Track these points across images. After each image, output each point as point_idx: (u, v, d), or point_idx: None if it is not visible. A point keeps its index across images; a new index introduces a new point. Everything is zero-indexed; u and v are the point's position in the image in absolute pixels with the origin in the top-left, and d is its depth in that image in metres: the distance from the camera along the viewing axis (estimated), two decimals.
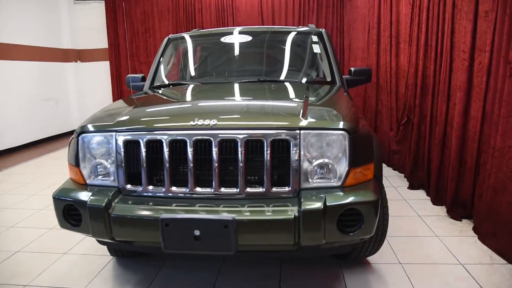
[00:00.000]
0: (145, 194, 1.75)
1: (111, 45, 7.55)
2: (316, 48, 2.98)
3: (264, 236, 1.56)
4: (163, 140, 1.70)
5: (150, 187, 1.74)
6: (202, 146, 1.68)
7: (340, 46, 6.62)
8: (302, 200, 1.57)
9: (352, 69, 2.96)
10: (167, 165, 1.70)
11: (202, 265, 2.32)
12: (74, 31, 7.57)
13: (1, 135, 5.80)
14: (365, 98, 5.35)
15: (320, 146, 1.67)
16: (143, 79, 3.13)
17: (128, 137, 1.75)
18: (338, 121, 1.69)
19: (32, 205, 3.53)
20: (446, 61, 3.07)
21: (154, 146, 1.72)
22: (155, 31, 7.34)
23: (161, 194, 1.73)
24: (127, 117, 1.87)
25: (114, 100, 7.56)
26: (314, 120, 1.70)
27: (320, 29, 3.11)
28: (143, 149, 1.72)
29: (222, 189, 1.69)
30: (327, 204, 1.54)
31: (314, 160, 1.66)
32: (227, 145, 1.67)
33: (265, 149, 1.63)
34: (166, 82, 2.95)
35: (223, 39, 3.12)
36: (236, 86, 2.53)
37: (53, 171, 4.80)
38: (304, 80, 2.73)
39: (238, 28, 3.17)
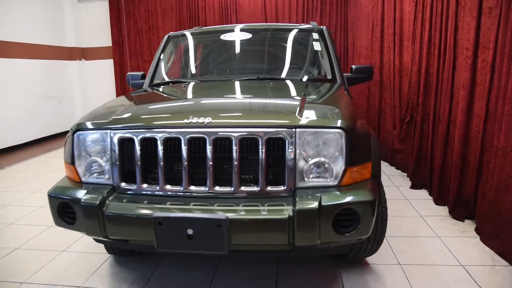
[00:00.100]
0: (139, 192, 1.74)
1: (114, 43, 7.57)
2: (317, 46, 2.94)
3: (258, 236, 1.54)
4: (157, 138, 1.68)
5: (145, 185, 1.73)
6: (197, 144, 1.66)
7: (344, 44, 6.56)
8: (297, 199, 1.55)
9: (354, 66, 2.91)
10: (162, 163, 1.69)
11: (199, 264, 2.31)
12: (78, 29, 7.60)
13: (5, 133, 5.84)
14: (368, 97, 5.30)
15: (316, 144, 1.64)
16: (143, 77, 3.11)
17: (123, 135, 1.73)
18: (334, 119, 1.66)
19: (33, 203, 3.55)
20: (450, 58, 3.02)
21: (149, 144, 1.71)
22: (158, 29, 7.34)
23: (156, 193, 1.72)
24: (122, 114, 1.85)
25: None
26: (310, 118, 1.67)
27: (321, 27, 3.07)
28: (137, 147, 1.71)
29: (217, 188, 1.67)
30: (323, 203, 1.51)
31: (310, 159, 1.64)
32: (222, 143, 1.65)
33: (260, 147, 1.61)
34: (166, 80, 2.94)
35: (222, 37, 3.09)
36: (235, 84, 2.51)
37: (55, 169, 4.81)
38: (304, 78, 2.70)
39: (238, 26, 3.15)
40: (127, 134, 1.73)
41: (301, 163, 1.63)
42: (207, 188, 1.67)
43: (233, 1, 6.88)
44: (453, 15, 2.97)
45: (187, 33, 3.21)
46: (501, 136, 2.33)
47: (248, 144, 1.63)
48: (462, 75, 2.80)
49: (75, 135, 1.83)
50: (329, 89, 2.37)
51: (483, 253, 2.33)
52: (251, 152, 1.64)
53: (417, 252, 2.37)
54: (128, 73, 3.24)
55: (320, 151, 1.64)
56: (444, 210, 3.01)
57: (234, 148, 1.62)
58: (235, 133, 1.62)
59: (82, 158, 1.83)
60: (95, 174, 1.82)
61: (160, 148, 1.68)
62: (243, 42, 3.05)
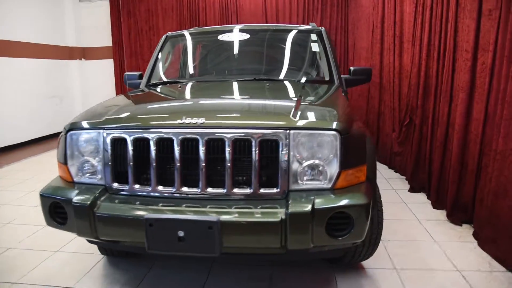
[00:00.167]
0: (131, 193, 1.72)
1: (115, 43, 7.56)
2: (315, 47, 2.92)
3: (250, 239, 1.52)
4: (150, 138, 1.66)
5: (137, 186, 1.71)
6: (190, 145, 1.64)
7: (344, 45, 6.54)
8: (290, 202, 1.53)
9: (352, 68, 2.89)
10: (154, 163, 1.67)
11: (193, 265, 2.29)
12: (78, 29, 7.60)
13: (5, 132, 5.84)
14: (368, 99, 5.27)
15: (310, 146, 1.62)
16: (140, 76, 3.10)
17: (115, 135, 1.72)
18: (329, 121, 1.64)
19: (29, 202, 3.53)
20: (449, 61, 3.00)
21: (141, 144, 1.69)
22: (159, 29, 7.33)
23: (148, 194, 1.70)
24: (115, 114, 1.83)
25: None
26: (304, 119, 1.65)
27: (320, 28, 3.05)
28: (130, 147, 1.69)
29: (209, 189, 1.64)
30: (316, 207, 1.49)
31: (304, 161, 1.61)
32: (215, 145, 1.62)
33: (253, 149, 1.59)
34: (163, 80, 2.92)
35: (220, 37, 3.08)
36: (231, 85, 2.49)
37: (53, 168, 4.78)
38: (301, 79, 2.67)
39: (235, 26, 3.13)
40: (119, 134, 1.71)
41: (294, 165, 1.61)
42: (199, 190, 1.65)
43: (233, 1, 6.87)
44: (453, 17, 2.94)
45: (185, 33, 3.19)
46: (500, 140, 2.30)
47: (242, 145, 1.61)
48: (462, 78, 2.78)
49: (68, 135, 1.81)
50: (326, 90, 2.34)
51: (480, 258, 2.30)
52: (245, 154, 1.62)
53: (414, 257, 2.34)
54: (126, 73, 3.22)
55: (314, 153, 1.62)
56: (442, 214, 2.98)
57: (227, 149, 1.60)
58: (228, 134, 1.60)
59: (74, 158, 1.81)
60: (88, 174, 1.80)
61: (152, 148, 1.66)
62: (240, 43, 3.04)
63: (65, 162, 1.82)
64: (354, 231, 1.53)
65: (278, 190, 1.61)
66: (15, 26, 6.06)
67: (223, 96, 2.24)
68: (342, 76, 2.79)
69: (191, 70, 3.15)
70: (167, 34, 3.22)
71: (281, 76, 2.73)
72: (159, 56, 3.06)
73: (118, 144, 1.72)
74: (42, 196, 1.76)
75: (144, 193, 1.70)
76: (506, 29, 2.30)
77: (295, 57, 2.95)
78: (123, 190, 1.73)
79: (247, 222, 1.49)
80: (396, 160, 4.21)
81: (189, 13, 7.11)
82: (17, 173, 4.60)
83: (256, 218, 1.50)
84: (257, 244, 1.53)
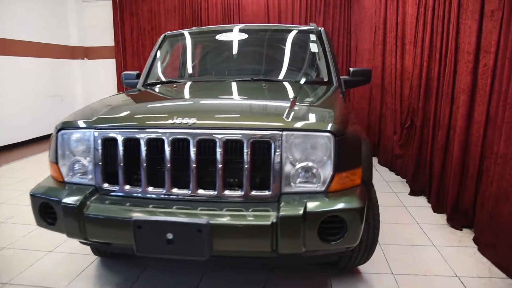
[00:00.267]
0: (122, 194, 1.69)
1: (117, 43, 7.57)
2: (314, 48, 2.88)
3: (240, 242, 1.48)
4: (140, 139, 1.64)
5: (127, 187, 1.68)
6: (180, 145, 1.61)
7: (347, 47, 6.48)
8: (281, 205, 1.49)
9: (351, 69, 2.86)
10: (144, 164, 1.64)
11: (186, 267, 2.25)
12: (81, 28, 7.61)
13: (5, 131, 5.85)
14: (370, 100, 5.22)
15: (303, 148, 1.58)
16: (138, 76, 3.08)
17: (106, 135, 1.69)
18: (323, 122, 1.61)
19: (26, 201, 3.51)
20: (451, 62, 2.95)
21: (132, 144, 1.66)
22: (161, 29, 7.31)
23: (138, 195, 1.67)
24: (107, 114, 1.81)
25: None
26: (298, 121, 1.61)
27: (319, 28, 3.01)
28: (120, 147, 1.66)
29: (200, 191, 1.61)
30: (308, 210, 1.45)
31: (297, 163, 1.58)
32: (206, 145, 1.59)
33: (245, 150, 1.55)
34: (160, 79, 2.89)
35: (218, 37, 3.05)
36: (227, 85, 2.46)
37: None
38: (299, 80, 2.64)
39: (233, 26, 3.10)
40: (110, 133, 1.68)
41: (287, 168, 1.57)
42: (190, 191, 1.61)
43: (236, 2, 6.85)
44: (455, 18, 2.89)
45: (183, 33, 3.16)
46: (501, 143, 2.25)
47: (233, 146, 1.58)
48: (463, 80, 2.73)
49: (59, 134, 1.79)
50: (323, 91, 2.30)
51: (480, 264, 2.25)
52: (236, 155, 1.58)
53: (412, 261, 2.30)
54: (123, 72, 3.20)
55: (307, 155, 1.58)
56: (442, 218, 2.93)
57: (218, 150, 1.57)
58: (220, 135, 1.57)
59: (66, 158, 1.79)
60: (78, 174, 1.77)
61: (143, 148, 1.63)
62: (238, 43, 3.00)
63: (56, 162, 1.80)
64: (348, 235, 1.48)
65: (270, 192, 1.57)
66: (17, 25, 6.08)
67: (217, 97, 2.21)
68: (341, 77, 2.76)
69: (188, 70, 3.12)
70: (165, 33, 3.20)
71: (279, 77, 2.69)
72: (157, 55, 3.04)
73: (109, 144, 1.70)
74: (32, 195, 1.74)
75: (135, 194, 1.67)
76: (508, 30, 2.25)
77: (294, 58, 2.92)
78: (113, 191, 1.70)
79: (237, 225, 1.46)
80: (397, 162, 4.16)
81: (191, 13, 7.10)
82: (16, 172, 4.60)
83: (246, 221, 1.47)
84: (247, 247, 1.50)
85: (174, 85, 2.57)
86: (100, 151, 1.70)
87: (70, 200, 1.61)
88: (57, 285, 2.12)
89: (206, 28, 3.34)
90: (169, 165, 1.61)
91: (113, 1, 7.45)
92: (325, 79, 2.66)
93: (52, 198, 1.66)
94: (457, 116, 2.79)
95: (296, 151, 1.57)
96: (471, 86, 2.65)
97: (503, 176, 2.23)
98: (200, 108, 1.93)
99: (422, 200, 3.34)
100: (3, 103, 5.81)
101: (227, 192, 1.59)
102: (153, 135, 1.62)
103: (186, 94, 2.35)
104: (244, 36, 3.01)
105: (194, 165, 1.59)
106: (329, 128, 1.56)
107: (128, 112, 1.87)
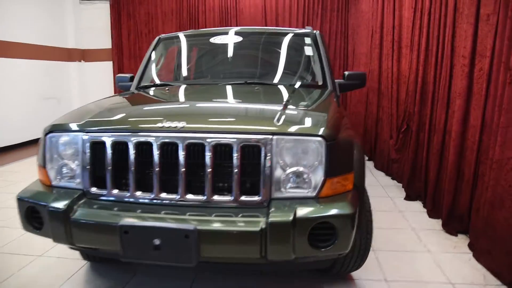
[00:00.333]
0: (110, 198, 1.66)
1: (114, 45, 7.55)
2: (309, 51, 2.86)
3: (228, 248, 1.45)
4: (128, 142, 1.61)
5: (115, 191, 1.65)
6: (169, 149, 1.58)
7: (344, 51, 6.49)
8: (270, 210, 1.46)
9: (346, 73, 2.83)
10: (132, 168, 1.61)
11: (176, 273, 2.22)
12: (78, 31, 7.60)
13: (1, 133, 5.80)
14: (366, 104, 5.21)
15: (294, 153, 1.55)
16: (131, 79, 3.05)
17: (94, 138, 1.66)
18: (315, 126, 1.58)
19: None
20: (446, 66, 2.93)
21: (120, 148, 1.63)
22: (158, 32, 7.30)
23: (126, 199, 1.64)
24: (96, 117, 1.78)
25: None
26: (289, 125, 1.58)
27: (314, 31, 3.00)
28: (109, 151, 1.63)
29: (189, 196, 1.58)
30: (297, 216, 1.42)
31: (287, 168, 1.55)
32: (195, 149, 1.56)
33: (235, 154, 1.53)
34: (154, 82, 2.87)
35: (213, 40, 3.03)
36: (220, 88, 2.44)
37: None
38: (293, 83, 2.61)
39: (228, 29, 3.08)
40: (98, 137, 1.65)
41: (277, 172, 1.54)
42: (178, 196, 1.58)
43: (233, 5, 6.85)
44: (451, 22, 2.88)
45: (178, 35, 3.14)
46: (497, 149, 2.23)
47: (223, 150, 1.55)
48: (459, 84, 2.71)
49: (47, 137, 1.76)
50: (316, 95, 2.28)
51: (475, 270, 2.22)
52: (226, 159, 1.55)
53: (406, 268, 2.26)
54: (117, 75, 3.18)
55: (298, 160, 1.55)
56: (437, 223, 2.90)
57: (207, 154, 1.54)
58: (209, 139, 1.54)
59: (53, 161, 1.76)
60: (66, 178, 1.74)
61: (131, 152, 1.60)
62: (233, 46, 2.98)
63: (44, 165, 1.77)
64: (339, 242, 1.45)
65: (260, 198, 1.54)
66: (14, 27, 6.06)
67: (208, 100, 2.19)
68: (336, 80, 2.74)
69: (183, 72, 3.10)
70: (160, 36, 3.18)
71: (273, 80, 2.66)
72: (151, 58, 3.02)
73: (97, 147, 1.66)
74: (19, 199, 1.71)
75: (122, 199, 1.64)
76: (503, 34, 2.23)
77: (289, 61, 2.89)
78: (101, 195, 1.67)
79: (225, 231, 1.43)
80: (393, 167, 4.14)
81: (189, 16, 7.10)
82: (10, 175, 4.55)
83: (235, 227, 1.44)
84: (235, 254, 1.46)
85: (167, 88, 2.54)
86: (88, 154, 1.67)
87: (56, 204, 1.58)
88: None
89: (200, 30, 3.32)
90: (157, 169, 1.58)
91: (110, 3, 7.45)
92: (320, 83, 2.64)
93: (38, 202, 1.63)
94: (453, 120, 2.77)
95: (286, 155, 1.54)
96: (467, 91, 2.64)
97: (499, 182, 2.21)
98: (190, 112, 1.90)
99: (417, 205, 3.32)
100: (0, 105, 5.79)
101: (216, 197, 1.56)
102: (142, 139, 1.59)
103: (178, 97, 2.32)
104: (239, 39, 2.99)
105: (183, 170, 1.56)
106: (320, 132, 1.53)
107: (117, 115, 1.84)
